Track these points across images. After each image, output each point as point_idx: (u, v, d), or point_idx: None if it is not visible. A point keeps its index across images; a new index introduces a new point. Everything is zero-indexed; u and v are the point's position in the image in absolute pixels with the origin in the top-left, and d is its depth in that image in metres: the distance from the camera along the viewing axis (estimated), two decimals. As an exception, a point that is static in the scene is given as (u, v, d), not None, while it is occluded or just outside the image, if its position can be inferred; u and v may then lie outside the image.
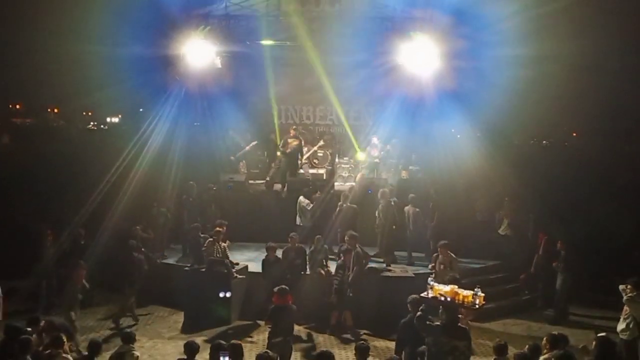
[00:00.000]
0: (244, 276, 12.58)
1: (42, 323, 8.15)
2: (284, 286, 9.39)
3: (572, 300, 12.96)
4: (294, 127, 17.84)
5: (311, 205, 14.40)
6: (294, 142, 16.68)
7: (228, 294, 11.88)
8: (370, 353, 7.69)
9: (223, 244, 12.44)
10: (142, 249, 12.47)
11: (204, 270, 12.08)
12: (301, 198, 14.55)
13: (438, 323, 7.57)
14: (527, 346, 7.51)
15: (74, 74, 28.36)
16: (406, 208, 14.16)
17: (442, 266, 11.18)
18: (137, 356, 7.91)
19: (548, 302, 13.19)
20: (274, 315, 8.98)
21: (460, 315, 7.92)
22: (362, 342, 7.73)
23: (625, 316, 9.27)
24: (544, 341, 7.34)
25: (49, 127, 40.31)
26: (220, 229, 12.45)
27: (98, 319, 12.33)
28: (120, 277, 12.28)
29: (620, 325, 9.29)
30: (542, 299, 13.46)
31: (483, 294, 7.77)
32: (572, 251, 12.65)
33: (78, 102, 36.33)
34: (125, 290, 12.10)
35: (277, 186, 16.35)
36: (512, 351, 7.79)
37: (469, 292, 8.00)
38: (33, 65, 32.72)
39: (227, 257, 12.31)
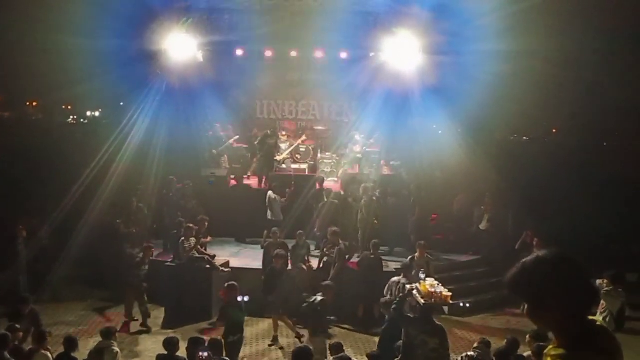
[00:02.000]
0: (229, 269, 12.52)
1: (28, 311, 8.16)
2: (232, 282, 9.40)
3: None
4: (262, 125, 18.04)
5: (282, 199, 14.48)
6: (270, 140, 16.67)
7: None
8: (350, 347, 7.78)
9: (204, 239, 12.43)
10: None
11: (183, 265, 12.02)
12: (270, 193, 14.59)
13: (412, 315, 7.64)
14: (505, 340, 7.59)
15: (53, 66, 27.95)
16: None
17: (418, 267, 10.88)
18: (117, 352, 7.88)
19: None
20: (226, 314, 8.97)
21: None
22: (337, 341, 7.81)
23: (602, 310, 9.40)
24: (528, 338, 7.38)
25: (28, 121, 39.80)
26: (192, 226, 12.38)
27: (79, 315, 12.22)
28: (110, 272, 12.21)
29: (597, 319, 9.40)
30: None
31: (449, 293, 7.74)
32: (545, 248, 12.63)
33: (57, 95, 35.83)
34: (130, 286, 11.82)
35: (248, 181, 16.36)
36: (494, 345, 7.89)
37: (442, 289, 8.00)
38: (12, 58, 32.20)
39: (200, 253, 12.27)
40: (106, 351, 7.78)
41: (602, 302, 9.45)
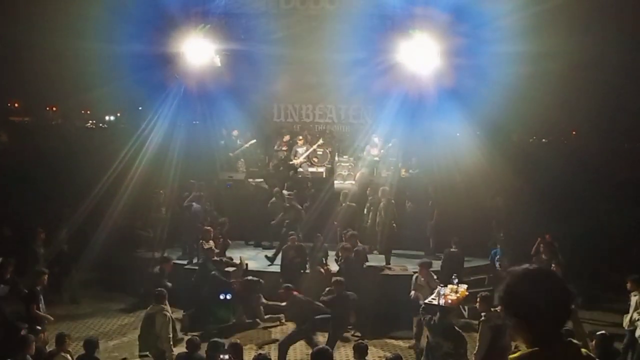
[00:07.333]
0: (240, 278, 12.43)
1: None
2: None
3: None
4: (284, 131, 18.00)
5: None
6: (281, 153, 16.73)
7: (229, 296, 11.58)
8: (368, 351, 7.70)
9: (225, 242, 12.45)
10: None
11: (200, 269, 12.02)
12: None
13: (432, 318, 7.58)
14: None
15: (72, 71, 28.18)
16: None
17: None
18: (169, 316, 7.90)
19: None
20: None
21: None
22: (361, 341, 7.73)
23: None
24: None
25: (48, 126, 40.23)
26: (210, 229, 12.38)
27: (98, 317, 12.28)
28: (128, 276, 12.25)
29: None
30: None
31: (455, 298, 7.68)
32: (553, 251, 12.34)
33: (76, 100, 36.17)
34: None
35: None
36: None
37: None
38: (31, 63, 32.59)
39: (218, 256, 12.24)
40: (158, 315, 7.81)
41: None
